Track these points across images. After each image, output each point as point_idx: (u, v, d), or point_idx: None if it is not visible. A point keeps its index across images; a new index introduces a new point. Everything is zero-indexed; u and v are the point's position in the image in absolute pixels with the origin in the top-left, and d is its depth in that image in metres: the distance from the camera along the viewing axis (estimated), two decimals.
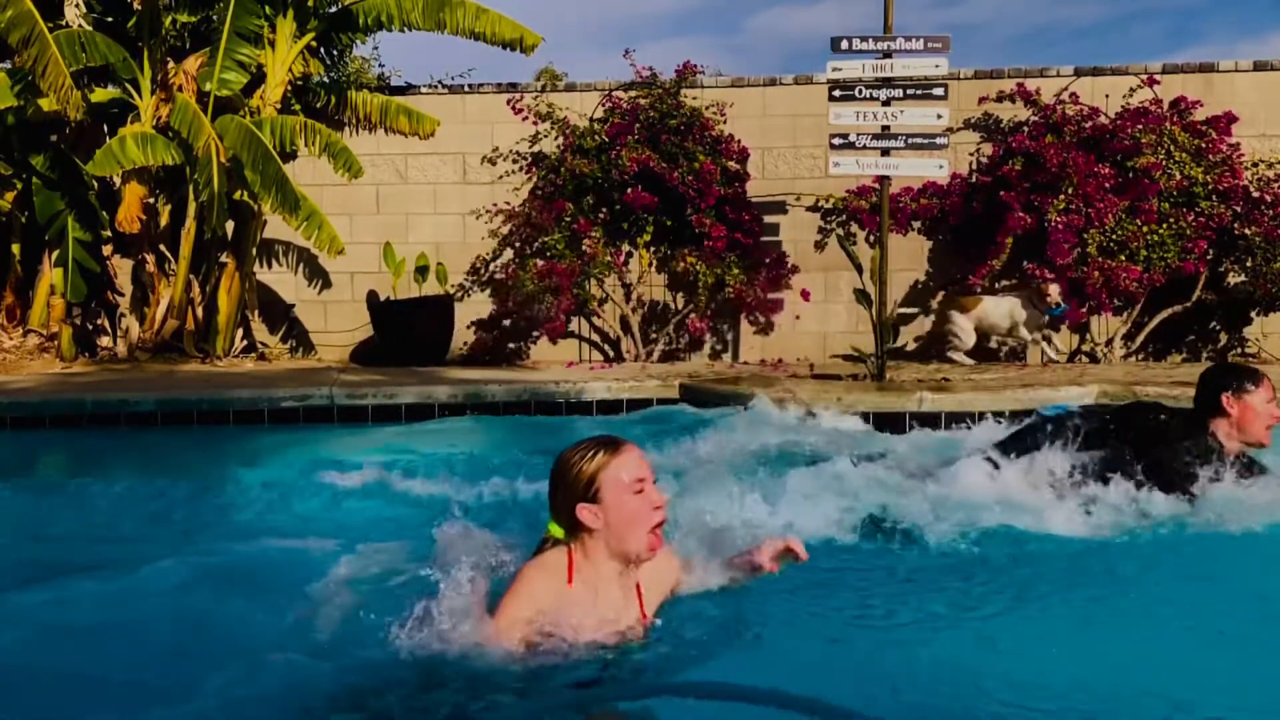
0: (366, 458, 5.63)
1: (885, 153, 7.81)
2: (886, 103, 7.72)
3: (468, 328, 10.08)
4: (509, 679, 2.42)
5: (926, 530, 3.53)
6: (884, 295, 7.75)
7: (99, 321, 9.89)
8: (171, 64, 9.46)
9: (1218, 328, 9.32)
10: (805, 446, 5.18)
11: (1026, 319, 8.83)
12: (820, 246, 9.76)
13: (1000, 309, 8.91)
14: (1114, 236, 8.62)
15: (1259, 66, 9.27)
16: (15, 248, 9.75)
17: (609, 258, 9.32)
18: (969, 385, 7.32)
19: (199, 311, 9.59)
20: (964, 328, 8.98)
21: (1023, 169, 8.86)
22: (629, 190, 9.18)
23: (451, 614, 2.55)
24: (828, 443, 5.25)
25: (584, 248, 9.28)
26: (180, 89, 9.22)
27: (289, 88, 9.64)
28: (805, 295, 9.50)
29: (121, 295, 9.59)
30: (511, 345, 10.15)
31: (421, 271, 9.84)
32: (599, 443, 2.61)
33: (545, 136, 9.86)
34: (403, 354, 9.39)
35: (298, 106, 9.79)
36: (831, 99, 7.86)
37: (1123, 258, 8.62)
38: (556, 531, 2.62)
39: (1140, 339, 9.13)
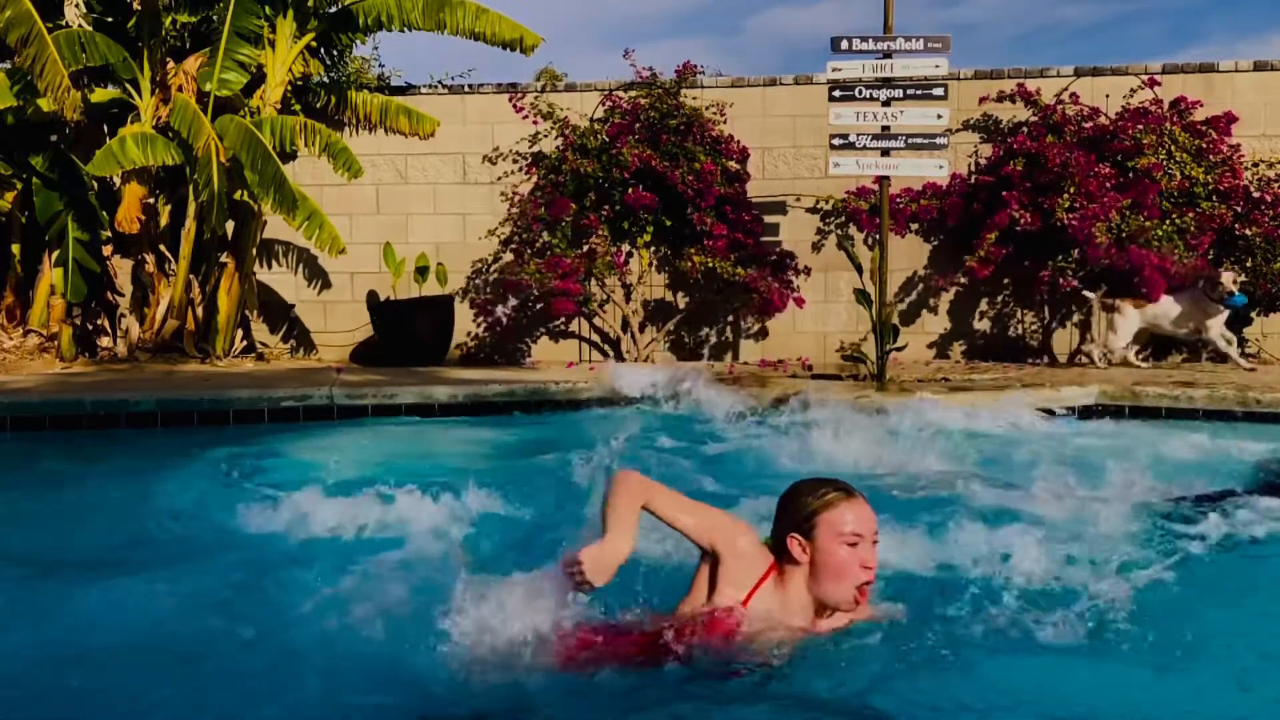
0: (366, 458, 5.64)
1: (885, 153, 7.81)
2: (886, 103, 7.72)
3: (468, 328, 10.08)
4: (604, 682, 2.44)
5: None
6: (884, 295, 7.76)
7: (99, 321, 9.88)
8: (171, 64, 9.46)
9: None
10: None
11: (1201, 315, 8.20)
12: (818, 248, 9.75)
13: (1176, 307, 8.28)
14: (1121, 232, 8.60)
15: (1259, 66, 9.26)
16: (15, 248, 9.75)
17: (610, 257, 9.33)
18: (969, 385, 7.32)
19: (199, 311, 9.59)
20: (1122, 326, 8.41)
21: (1024, 169, 8.85)
22: (630, 190, 9.18)
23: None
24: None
25: (591, 244, 9.30)
26: (180, 89, 9.22)
27: (289, 88, 9.64)
28: (800, 303, 9.45)
29: (121, 295, 9.59)
30: (511, 345, 10.14)
31: (421, 271, 9.84)
32: (835, 485, 2.61)
33: (545, 136, 9.86)
34: (403, 354, 9.39)
35: (298, 106, 9.79)
36: (831, 99, 7.86)
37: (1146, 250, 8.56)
38: (766, 544, 2.65)
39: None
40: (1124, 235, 8.57)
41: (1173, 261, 8.37)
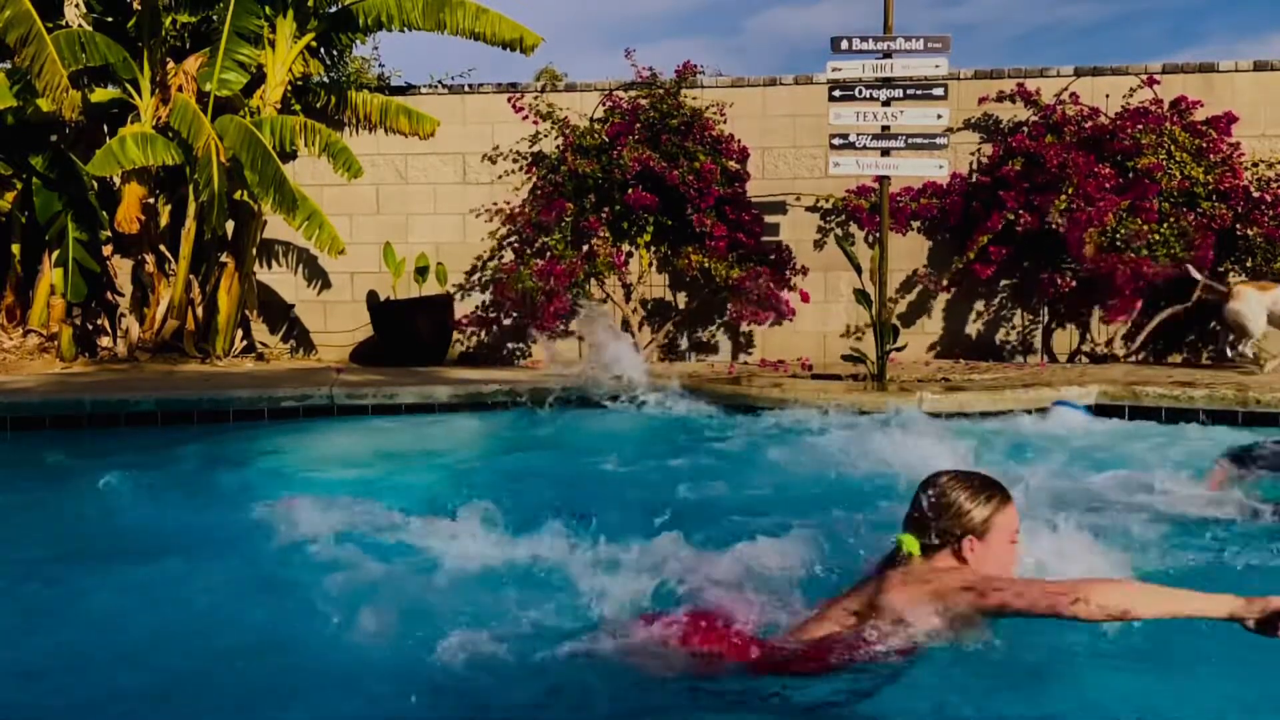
0: (366, 458, 5.64)
1: (885, 153, 7.81)
2: (886, 103, 7.72)
3: (467, 328, 10.08)
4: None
5: None
6: (884, 295, 7.76)
7: (99, 321, 9.88)
8: (171, 64, 9.45)
9: (1218, 328, 9.31)
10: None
11: None
12: (819, 246, 9.75)
13: None
14: (1117, 235, 8.61)
15: (1259, 66, 9.26)
16: (15, 248, 9.75)
17: (610, 258, 9.33)
18: (969, 385, 7.32)
19: (199, 311, 9.59)
20: (1254, 312, 7.83)
21: (1023, 169, 8.86)
22: (630, 190, 9.18)
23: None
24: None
25: (593, 246, 9.30)
26: (180, 89, 9.22)
27: (289, 88, 9.63)
28: (805, 297, 9.48)
29: (121, 295, 9.59)
30: (511, 345, 10.15)
31: (421, 272, 9.84)
32: (993, 485, 2.67)
33: (545, 136, 9.86)
34: (402, 354, 9.39)
35: (298, 106, 9.79)
36: (831, 99, 7.86)
37: (1129, 255, 8.59)
38: (912, 547, 2.65)
39: (1140, 339, 9.13)
40: (1118, 239, 8.58)
41: (1149, 268, 8.36)
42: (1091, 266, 8.61)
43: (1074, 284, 8.86)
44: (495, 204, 10.01)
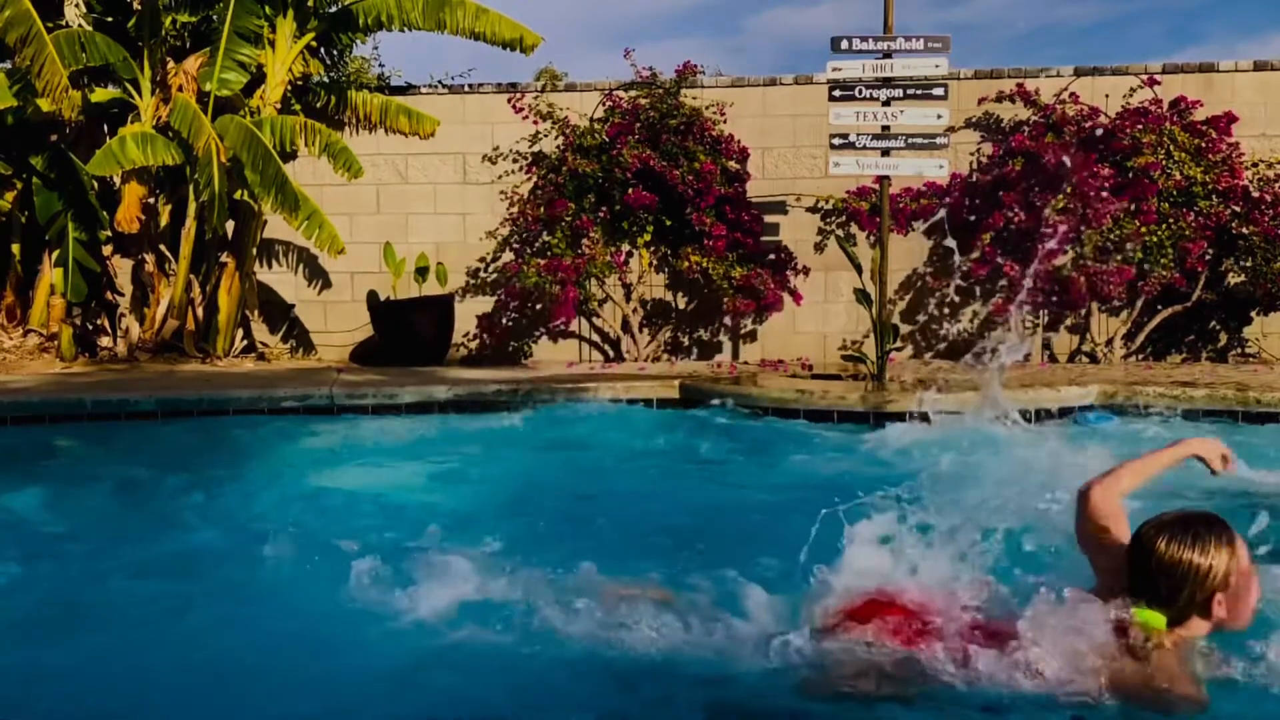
0: (366, 458, 5.64)
1: (885, 153, 7.80)
2: (886, 103, 7.72)
3: (467, 329, 10.08)
4: None
5: None
6: (884, 295, 7.76)
7: (99, 321, 9.88)
8: (171, 64, 9.45)
9: (1218, 328, 9.33)
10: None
11: None
12: (820, 247, 9.75)
13: None
14: (1110, 238, 8.62)
15: (1259, 66, 9.26)
16: (15, 248, 9.75)
17: (609, 257, 9.33)
18: (968, 385, 7.31)
19: (199, 311, 9.59)
20: None
21: (1022, 169, 8.87)
22: (629, 190, 9.18)
23: None
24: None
25: (583, 247, 9.30)
26: (180, 89, 9.22)
27: (289, 88, 9.63)
28: (798, 298, 9.48)
29: (121, 295, 9.59)
30: (511, 345, 10.15)
31: (421, 272, 9.84)
32: (1219, 525, 2.42)
33: (545, 136, 9.86)
34: (403, 354, 9.39)
35: (298, 106, 9.79)
36: (831, 99, 7.85)
37: (1118, 259, 8.61)
38: (1157, 622, 2.40)
39: (1140, 339, 9.13)
40: (1110, 241, 8.60)
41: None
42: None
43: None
44: (495, 204, 10.01)
